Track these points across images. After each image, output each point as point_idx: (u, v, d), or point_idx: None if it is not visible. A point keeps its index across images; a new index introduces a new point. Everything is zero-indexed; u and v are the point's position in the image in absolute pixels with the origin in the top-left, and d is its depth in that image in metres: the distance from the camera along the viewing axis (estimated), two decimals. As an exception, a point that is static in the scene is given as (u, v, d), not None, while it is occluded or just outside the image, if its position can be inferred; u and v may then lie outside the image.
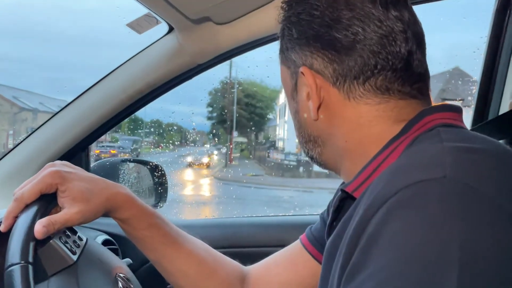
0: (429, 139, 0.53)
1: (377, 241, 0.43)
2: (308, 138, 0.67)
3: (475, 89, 1.40)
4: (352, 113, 0.60)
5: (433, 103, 0.63)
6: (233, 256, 0.89)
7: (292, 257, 0.84)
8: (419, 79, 0.60)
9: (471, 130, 0.60)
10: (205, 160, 16.23)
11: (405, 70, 0.58)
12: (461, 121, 0.60)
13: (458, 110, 0.60)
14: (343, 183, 0.67)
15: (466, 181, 0.44)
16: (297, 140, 0.71)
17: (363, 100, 0.59)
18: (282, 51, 0.67)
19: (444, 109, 0.59)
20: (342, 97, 0.60)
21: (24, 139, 1.22)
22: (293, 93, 0.67)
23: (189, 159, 15.87)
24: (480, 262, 0.39)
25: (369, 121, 0.59)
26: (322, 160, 0.67)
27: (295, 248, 0.85)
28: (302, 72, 0.62)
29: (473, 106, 1.39)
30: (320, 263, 0.77)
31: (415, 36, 0.59)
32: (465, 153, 0.48)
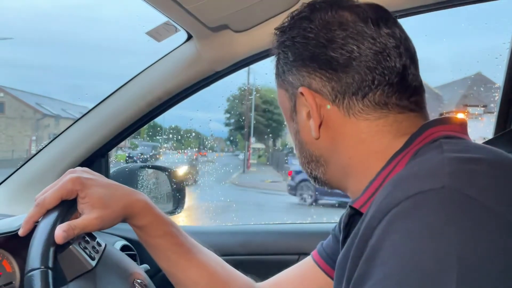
0: (431, 150, 0.54)
1: (379, 252, 0.44)
2: (310, 158, 0.67)
3: (497, 96, 1.37)
4: (352, 130, 0.61)
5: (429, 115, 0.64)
6: (249, 263, 0.89)
7: (304, 274, 0.84)
8: (415, 92, 0.61)
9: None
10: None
11: (401, 84, 0.60)
12: (465, 132, 0.60)
13: (461, 122, 0.60)
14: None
15: (465, 191, 0.44)
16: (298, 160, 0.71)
17: (363, 116, 0.60)
18: (279, 75, 0.68)
19: (447, 121, 0.60)
20: (342, 114, 0.61)
21: (47, 145, 1.24)
22: (292, 114, 0.68)
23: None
24: (479, 271, 0.39)
25: (371, 136, 0.60)
26: (326, 179, 0.68)
27: (307, 264, 0.85)
28: (301, 93, 0.63)
29: (496, 113, 1.36)
30: (333, 279, 0.77)
31: (408, 51, 0.61)
32: (464, 163, 0.48)
